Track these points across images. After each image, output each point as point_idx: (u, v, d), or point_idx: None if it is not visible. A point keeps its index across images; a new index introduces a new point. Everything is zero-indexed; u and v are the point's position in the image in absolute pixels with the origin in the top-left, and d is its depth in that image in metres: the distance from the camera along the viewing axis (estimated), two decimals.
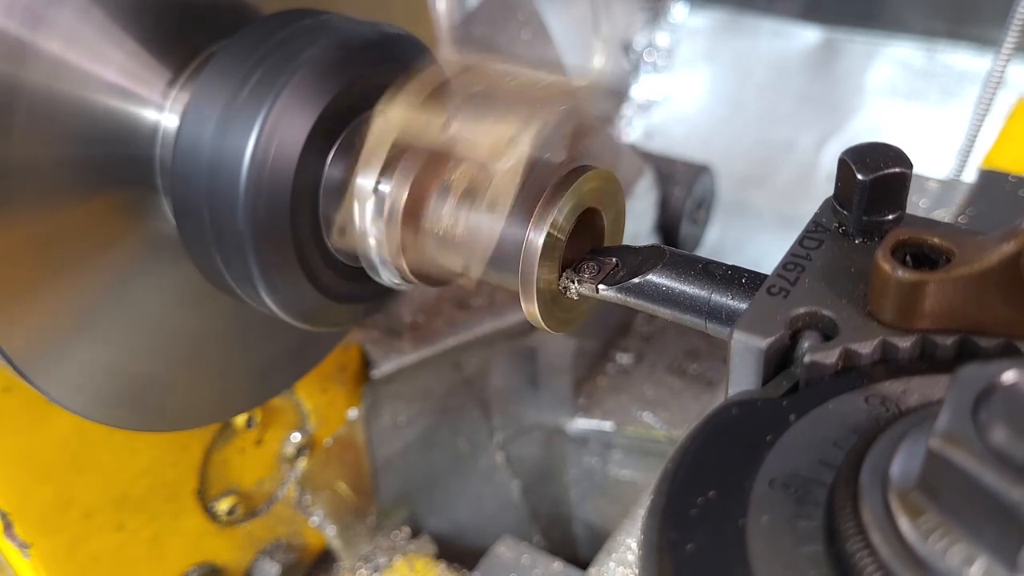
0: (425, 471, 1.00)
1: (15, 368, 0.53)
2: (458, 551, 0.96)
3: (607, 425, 1.01)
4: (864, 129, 1.32)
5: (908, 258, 0.35)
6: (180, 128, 0.53)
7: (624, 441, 1.01)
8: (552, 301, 0.50)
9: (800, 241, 0.40)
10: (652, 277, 0.46)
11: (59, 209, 0.53)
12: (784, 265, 0.39)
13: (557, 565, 0.86)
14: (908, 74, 1.31)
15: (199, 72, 0.55)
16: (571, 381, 1.03)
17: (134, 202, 0.57)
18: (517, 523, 1.04)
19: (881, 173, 0.38)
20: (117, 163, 0.55)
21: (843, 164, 0.39)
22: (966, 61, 1.27)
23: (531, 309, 0.49)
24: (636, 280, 0.47)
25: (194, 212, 0.53)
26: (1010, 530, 0.24)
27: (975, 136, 0.97)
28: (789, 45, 1.39)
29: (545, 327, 0.51)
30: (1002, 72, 0.92)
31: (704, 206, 1.22)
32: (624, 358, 1.08)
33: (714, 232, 1.26)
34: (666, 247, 0.48)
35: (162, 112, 0.56)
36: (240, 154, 0.50)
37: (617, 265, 0.49)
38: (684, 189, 1.17)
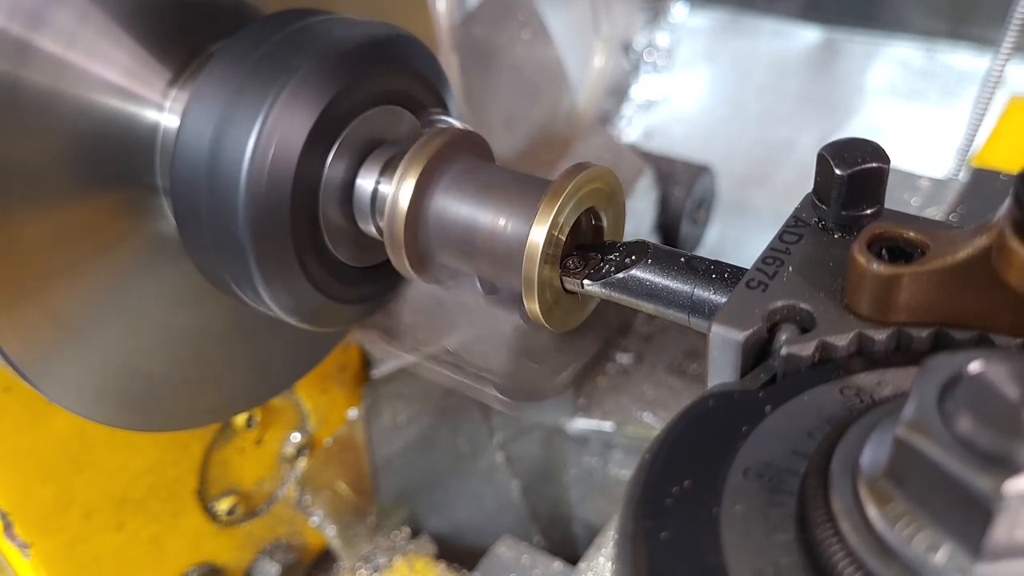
0: (425, 471, 1.00)
1: (15, 368, 0.54)
2: (458, 551, 0.96)
3: (607, 425, 1.01)
4: (864, 129, 1.31)
5: (884, 252, 0.35)
6: (180, 128, 0.53)
7: (624, 441, 1.01)
8: (553, 300, 0.51)
9: (780, 236, 0.41)
10: (636, 272, 0.47)
11: (59, 209, 0.53)
12: (763, 259, 0.39)
13: (557, 565, 0.86)
14: (908, 74, 1.31)
15: (199, 72, 0.55)
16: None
17: (134, 202, 0.57)
18: (517, 523, 1.04)
19: (858, 168, 0.38)
20: (117, 163, 0.56)
21: (822, 159, 0.39)
22: (966, 61, 1.27)
23: (532, 307, 0.50)
24: (620, 275, 0.47)
25: (194, 212, 0.54)
26: (974, 516, 0.24)
27: (974, 135, 0.96)
28: (789, 45, 1.39)
29: (546, 325, 0.51)
30: (1001, 72, 0.91)
31: (704, 206, 1.22)
32: (624, 358, 1.08)
33: (714, 232, 1.26)
34: (650, 242, 0.48)
35: (162, 112, 0.56)
36: (240, 154, 0.51)
37: (602, 260, 0.49)
38: (684, 189, 1.17)
